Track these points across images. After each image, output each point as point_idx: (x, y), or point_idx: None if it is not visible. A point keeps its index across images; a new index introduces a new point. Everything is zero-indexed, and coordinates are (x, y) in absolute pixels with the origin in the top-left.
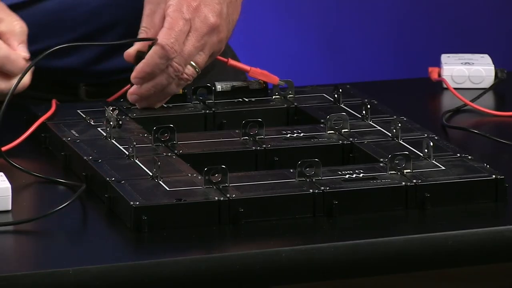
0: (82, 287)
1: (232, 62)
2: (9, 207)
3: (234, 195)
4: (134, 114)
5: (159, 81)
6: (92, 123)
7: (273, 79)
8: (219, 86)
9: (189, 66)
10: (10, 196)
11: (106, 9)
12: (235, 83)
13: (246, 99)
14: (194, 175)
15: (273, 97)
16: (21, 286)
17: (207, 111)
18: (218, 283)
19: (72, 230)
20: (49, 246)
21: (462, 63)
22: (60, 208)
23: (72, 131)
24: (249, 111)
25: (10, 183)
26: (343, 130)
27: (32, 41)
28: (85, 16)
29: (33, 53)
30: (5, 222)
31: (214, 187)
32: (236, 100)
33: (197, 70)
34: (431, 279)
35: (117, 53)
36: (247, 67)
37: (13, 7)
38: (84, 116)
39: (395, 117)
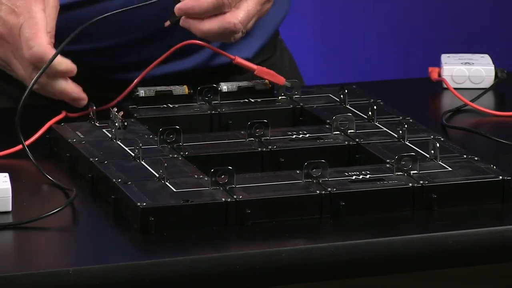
0: (82, 287)
1: (239, 60)
2: (10, 208)
3: (241, 196)
4: (140, 115)
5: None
6: (97, 125)
7: (280, 79)
8: (224, 87)
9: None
10: (11, 197)
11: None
12: (241, 84)
13: (252, 100)
14: (201, 176)
15: (279, 97)
16: (21, 286)
17: (213, 112)
18: (218, 283)
19: (73, 230)
20: (50, 246)
21: (462, 63)
22: (52, 213)
23: (77, 132)
24: (255, 112)
25: (12, 183)
26: (349, 131)
27: (89, 40)
28: (145, 19)
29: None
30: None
31: (221, 188)
32: (242, 100)
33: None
34: (431, 279)
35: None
36: (254, 66)
37: (73, 6)
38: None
39: (401, 118)
